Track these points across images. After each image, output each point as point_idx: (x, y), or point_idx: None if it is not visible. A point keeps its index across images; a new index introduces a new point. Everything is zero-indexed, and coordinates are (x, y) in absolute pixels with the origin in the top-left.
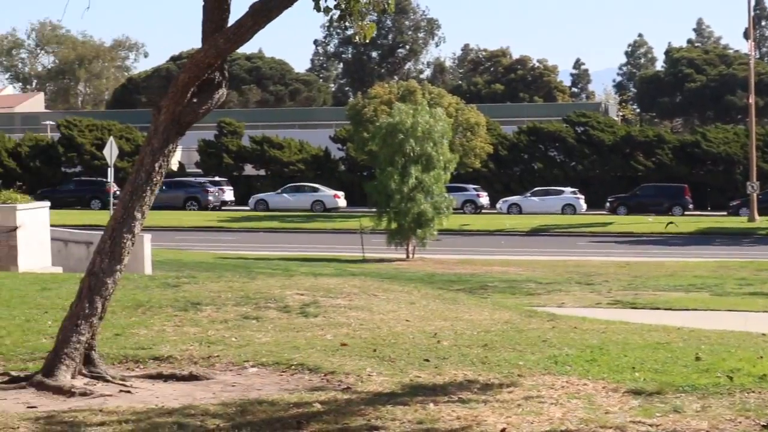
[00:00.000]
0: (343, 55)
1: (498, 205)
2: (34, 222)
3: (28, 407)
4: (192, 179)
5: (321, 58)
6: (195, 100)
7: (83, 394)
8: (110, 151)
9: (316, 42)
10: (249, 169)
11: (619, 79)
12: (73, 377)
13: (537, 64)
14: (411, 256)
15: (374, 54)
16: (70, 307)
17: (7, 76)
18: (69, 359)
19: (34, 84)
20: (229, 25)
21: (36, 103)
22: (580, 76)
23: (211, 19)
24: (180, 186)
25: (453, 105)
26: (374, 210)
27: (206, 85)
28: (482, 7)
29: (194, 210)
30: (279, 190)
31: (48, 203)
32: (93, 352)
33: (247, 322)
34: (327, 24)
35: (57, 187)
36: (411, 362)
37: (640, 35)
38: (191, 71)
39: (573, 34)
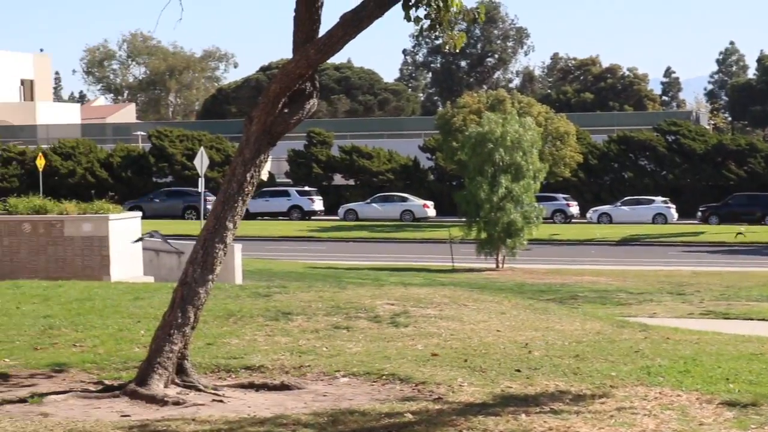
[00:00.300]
0: (432, 65)
1: (588, 215)
2: (126, 232)
3: (121, 416)
4: (191, 189)
5: (410, 67)
6: (286, 111)
7: (176, 404)
8: (201, 162)
9: (404, 51)
10: (338, 179)
11: (710, 87)
12: (165, 386)
13: (627, 73)
14: (501, 265)
15: (463, 63)
16: (163, 316)
17: (99, 87)
18: (162, 368)
19: (125, 95)
20: (320, 35)
21: (127, 113)
22: (671, 85)
23: (301, 30)
24: (179, 195)
25: (542, 114)
26: (463, 220)
27: (297, 95)
28: (572, 15)
29: (193, 219)
30: (368, 200)
31: (139, 213)
32: (185, 361)
33: (337, 332)
34: (416, 34)
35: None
36: (502, 372)
37: (731, 43)
38: (282, 82)
39: (664, 43)
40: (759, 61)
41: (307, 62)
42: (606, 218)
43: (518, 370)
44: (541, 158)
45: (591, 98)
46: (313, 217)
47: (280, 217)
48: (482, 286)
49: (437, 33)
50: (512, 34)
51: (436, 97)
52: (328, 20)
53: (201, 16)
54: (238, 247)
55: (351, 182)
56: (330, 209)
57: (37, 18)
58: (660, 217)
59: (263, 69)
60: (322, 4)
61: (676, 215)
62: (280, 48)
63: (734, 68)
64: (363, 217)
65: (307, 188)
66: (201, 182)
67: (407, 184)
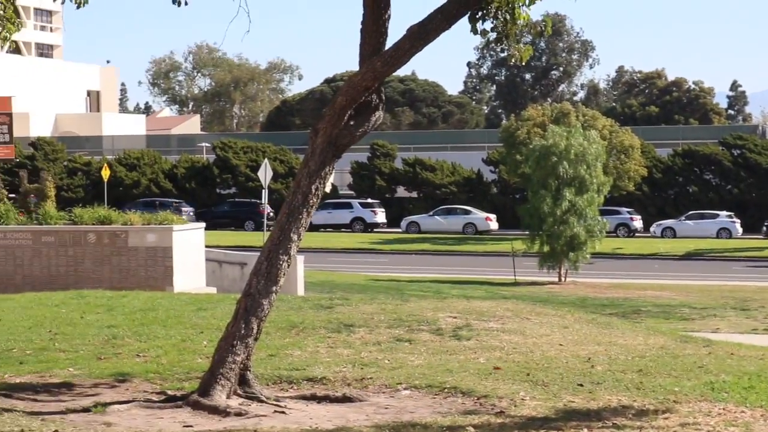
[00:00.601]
0: (496, 78)
1: (652, 229)
2: (189, 243)
3: (184, 426)
4: (167, 199)
5: (474, 80)
6: (352, 123)
7: (238, 414)
8: (264, 173)
9: (469, 64)
10: (401, 191)
11: None
12: (228, 397)
13: (693, 86)
14: (563, 279)
15: (527, 76)
16: (226, 327)
17: (164, 98)
18: (224, 379)
19: (190, 106)
20: (387, 48)
21: (192, 125)
22: (737, 98)
23: (368, 42)
24: (156, 207)
25: (607, 127)
26: (526, 233)
27: (363, 107)
28: (638, 28)
29: None
30: (431, 213)
31: (203, 224)
32: (248, 372)
33: (399, 344)
34: (481, 46)
35: (211, 208)
36: (564, 387)
37: None
38: (348, 94)
39: (730, 56)
40: None
41: (374, 75)
42: (669, 232)
43: (581, 385)
44: (605, 171)
45: (656, 112)
46: (375, 230)
47: (343, 229)
48: (544, 300)
49: (503, 46)
50: (577, 47)
51: (500, 110)
52: (394, 33)
53: (266, 28)
54: (300, 259)
55: (414, 194)
56: (392, 221)
57: (104, 30)
58: (724, 232)
59: (328, 81)
60: (389, 17)
61: (740, 230)
62: (345, 60)
63: None
64: (425, 230)
65: (369, 200)
66: (264, 194)
67: (470, 196)
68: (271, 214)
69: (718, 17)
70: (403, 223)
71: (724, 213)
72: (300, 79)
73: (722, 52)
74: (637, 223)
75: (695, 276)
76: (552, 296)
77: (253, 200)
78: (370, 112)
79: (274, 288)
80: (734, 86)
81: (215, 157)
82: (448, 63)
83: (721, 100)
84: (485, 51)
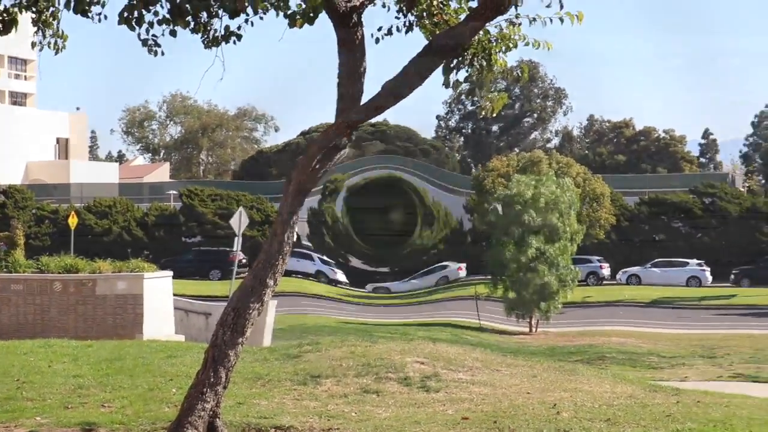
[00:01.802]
0: (464, 130)
1: (618, 276)
2: (159, 290)
3: None
4: None
5: (444, 131)
6: (317, 166)
7: None
8: (239, 221)
9: (438, 117)
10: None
11: (745, 149)
12: None
13: (663, 135)
14: (534, 329)
15: (495, 127)
16: (196, 375)
17: (138, 147)
18: (192, 428)
19: (161, 154)
20: (362, 103)
21: (162, 172)
22: (709, 146)
23: (344, 97)
24: None
25: (581, 175)
26: (489, 277)
27: (330, 150)
28: (609, 77)
29: None
30: (406, 279)
31: (171, 273)
32: (217, 419)
33: (367, 396)
34: (450, 101)
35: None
36: None
37: (767, 106)
38: (322, 144)
39: (703, 104)
40: None
41: (347, 125)
42: (635, 279)
43: None
44: (578, 220)
45: (623, 160)
46: (338, 285)
47: (311, 277)
48: (515, 351)
49: (476, 97)
50: (551, 93)
51: (469, 159)
52: (370, 87)
53: (242, 79)
54: (273, 304)
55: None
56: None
57: (78, 79)
58: (694, 280)
59: (303, 133)
60: (364, 70)
61: (710, 278)
62: (322, 113)
63: None
64: (396, 290)
65: (327, 259)
66: (237, 241)
67: (453, 250)
68: (244, 261)
69: (692, 67)
70: (369, 287)
71: (694, 261)
72: (276, 131)
73: (696, 100)
74: (606, 270)
75: (664, 323)
76: (523, 347)
77: (220, 248)
78: (333, 153)
79: (240, 339)
80: (706, 134)
81: (182, 204)
82: (419, 113)
83: (693, 149)
84: (453, 105)
